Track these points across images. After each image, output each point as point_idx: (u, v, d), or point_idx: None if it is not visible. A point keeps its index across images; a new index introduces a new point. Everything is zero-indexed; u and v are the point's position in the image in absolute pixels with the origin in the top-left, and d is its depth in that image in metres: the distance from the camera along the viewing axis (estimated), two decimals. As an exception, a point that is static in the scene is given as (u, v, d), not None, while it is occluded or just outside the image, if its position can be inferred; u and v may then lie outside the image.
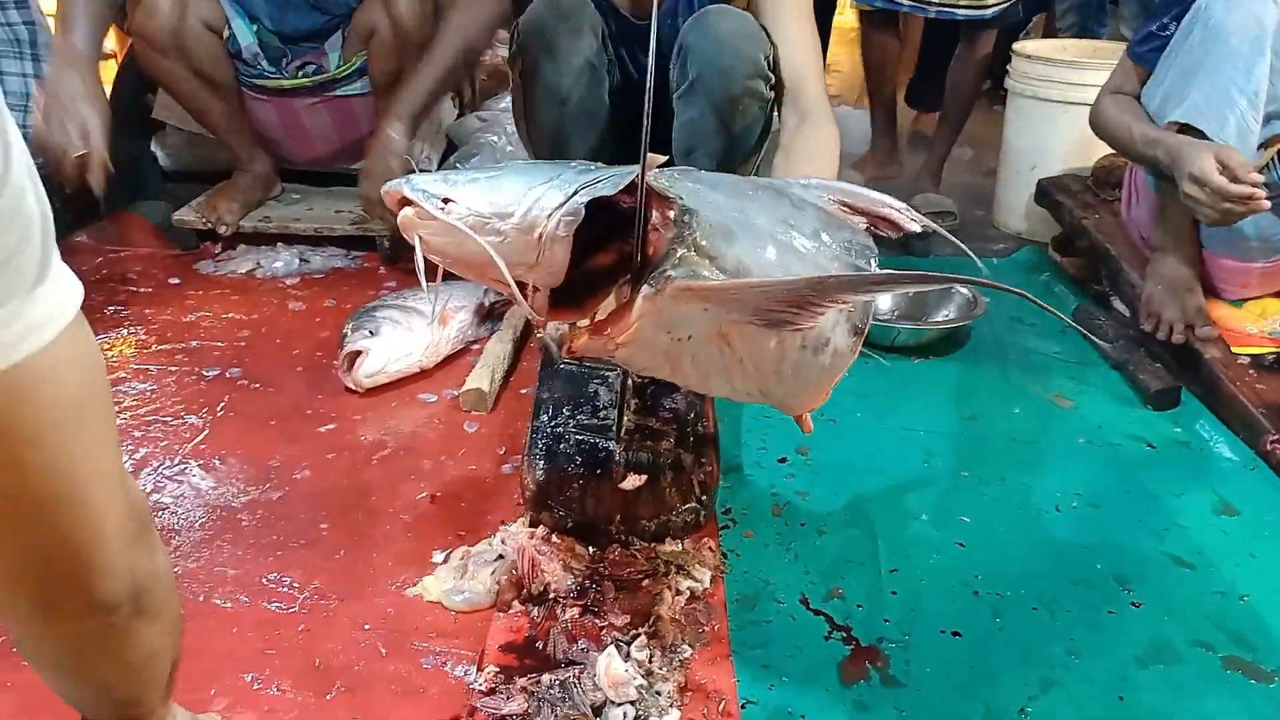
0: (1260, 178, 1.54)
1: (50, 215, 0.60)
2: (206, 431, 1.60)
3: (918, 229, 1.23)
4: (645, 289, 0.98)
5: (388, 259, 2.30)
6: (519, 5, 1.73)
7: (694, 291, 0.96)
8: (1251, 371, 1.72)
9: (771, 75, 1.62)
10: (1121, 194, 2.11)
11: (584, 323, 1.10)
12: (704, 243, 0.99)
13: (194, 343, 1.91)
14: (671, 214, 1.02)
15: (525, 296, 1.06)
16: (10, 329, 0.56)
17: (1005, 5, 2.59)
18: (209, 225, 2.34)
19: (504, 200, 1.02)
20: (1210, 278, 1.87)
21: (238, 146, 2.43)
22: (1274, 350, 1.76)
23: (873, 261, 1.13)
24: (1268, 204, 1.54)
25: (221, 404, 1.68)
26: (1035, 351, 1.95)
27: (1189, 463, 1.59)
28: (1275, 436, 1.54)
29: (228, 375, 1.78)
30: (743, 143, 1.66)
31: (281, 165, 2.55)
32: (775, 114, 1.71)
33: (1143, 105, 1.80)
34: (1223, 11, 1.62)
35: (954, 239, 1.29)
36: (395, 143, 2.12)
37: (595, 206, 1.04)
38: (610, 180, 1.04)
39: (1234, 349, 1.77)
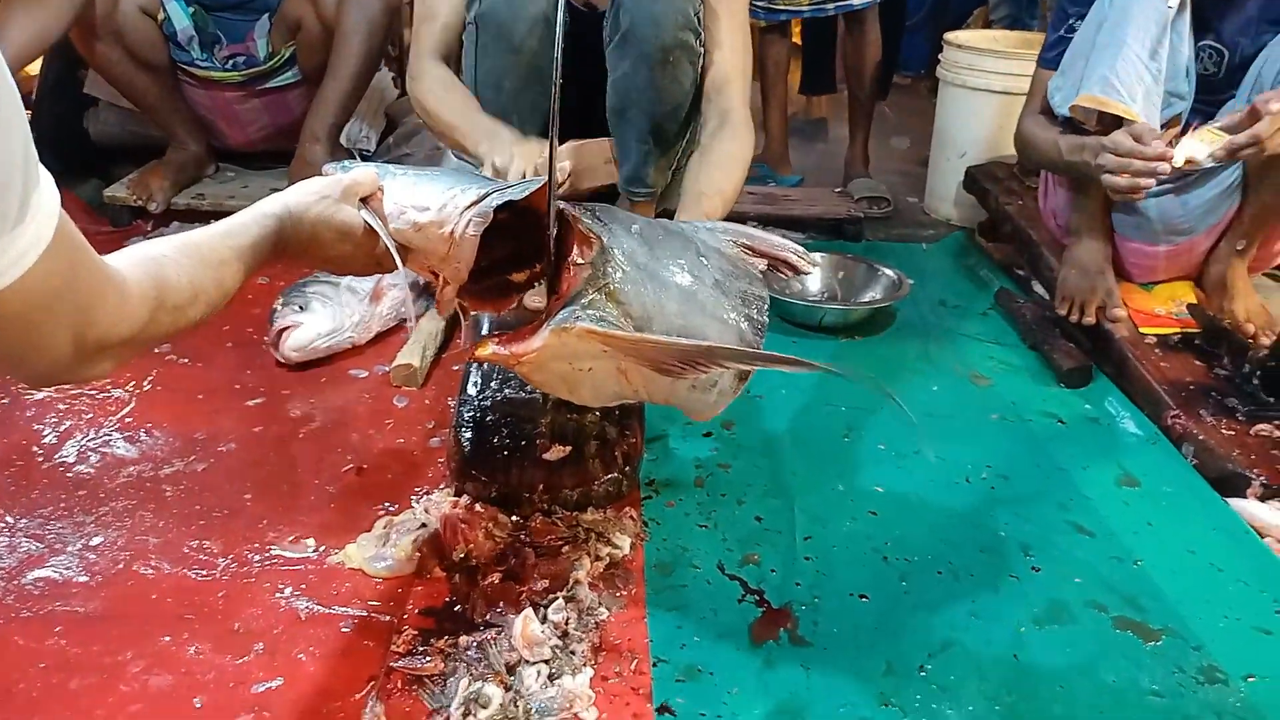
0: (1165, 148, 1.59)
1: (31, 144, 0.66)
2: (132, 404, 1.60)
3: (811, 270, 1.38)
4: (552, 323, 1.06)
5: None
6: None
7: (598, 336, 1.04)
8: (1157, 351, 1.79)
9: (700, 31, 1.65)
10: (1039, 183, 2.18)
11: (538, 299, 1.20)
12: (615, 288, 1.08)
13: (122, 318, 1.89)
14: (590, 254, 1.10)
15: (436, 287, 1.18)
16: None
17: None
18: (140, 202, 2.32)
19: (425, 196, 1.11)
20: (1122, 262, 1.94)
21: (172, 126, 2.42)
22: (1179, 331, 1.84)
23: (764, 312, 1.23)
24: (1167, 169, 1.60)
25: (149, 378, 1.68)
26: (956, 332, 2.01)
27: (1096, 437, 1.66)
28: (1175, 412, 1.61)
29: (155, 350, 1.77)
30: (674, 100, 1.69)
31: (215, 145, 2.53)
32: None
33: (1050, 94, 1.86)
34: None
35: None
36: (318, 165, 2.13)
37: (525, 225, 1.14)
38: (520, 186, 1.13)
39: (1142, 329, 1.84)
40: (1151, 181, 1.60)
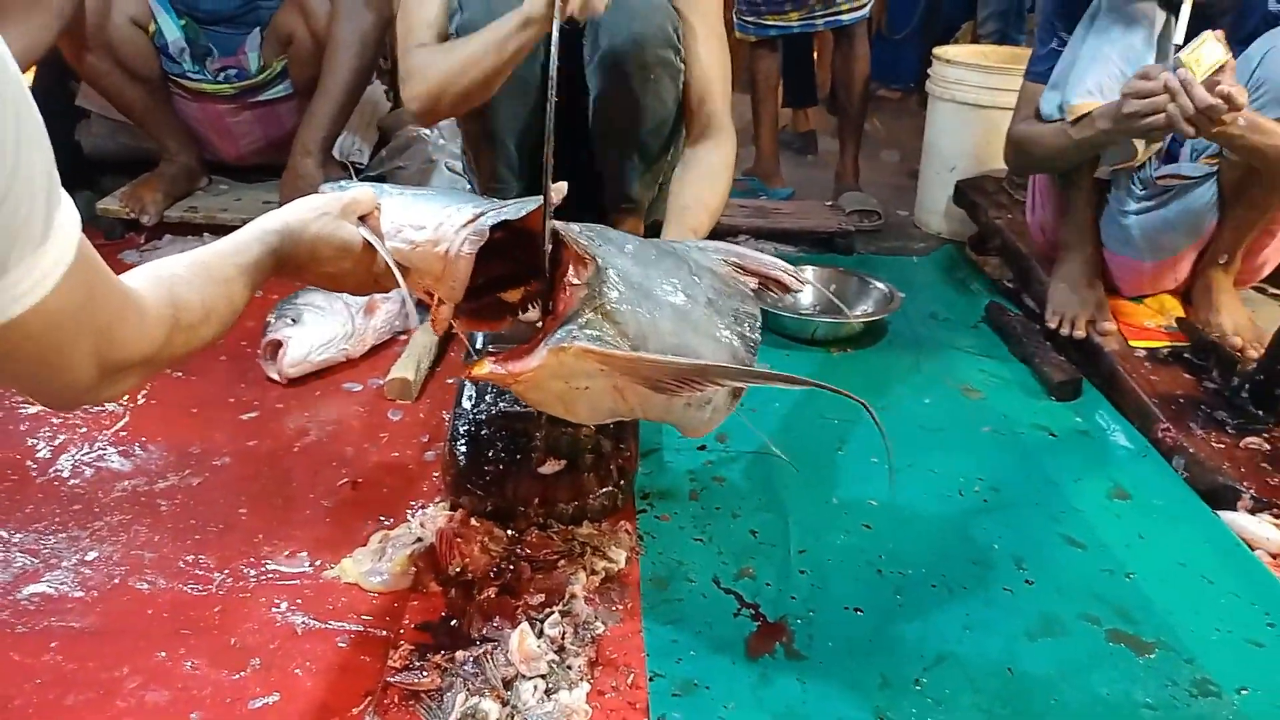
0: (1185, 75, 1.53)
1: (53, 165, 0.66)
2: (126, 419, 1.59)
3: (802, 288, 1.42)
4: (550, 342, 1.07)
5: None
6: None
7: (595, 355, 1.06)
8: (1147, 364, 1.81)
9: (680, 47, 1.66)
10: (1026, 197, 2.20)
11: (536, 315, 1.21)
12: (611, 308, 1.09)
13: (115, 331, 1.89)
14: (587, 275, 1.11)
15: (431, 306, 1.19)
16: (19, 287, 0.65)
17: (861, 9, 2.76)
18: (133, 215, 2.32)
19: (421, 215, 1.12)
20: (1110, 276, 1.96)
21: (164, 138, 2.42)
22: (1169, 344, 1.85)
23: (757, 329, 1.26)
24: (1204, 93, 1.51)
25: (143, 392, 1.67)
26: (948, 345, 2.03)
27: (1087, 450, 1.67)
28: (1165, 425, 1.63)
29: (150, 364, 1.77)
30: (657, 117, 1.69)
31: (207, 158, 2.54)
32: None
33: (1042, 108, 1.88)
34: (1114, 12, 1.72)
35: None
36: (310, 178, 2.18)
37: (519, 244, 1.15)
38: (515, 206, 1.14)
39: (1132, 342, 1.86)
40: (1189, 105, 1.51)
